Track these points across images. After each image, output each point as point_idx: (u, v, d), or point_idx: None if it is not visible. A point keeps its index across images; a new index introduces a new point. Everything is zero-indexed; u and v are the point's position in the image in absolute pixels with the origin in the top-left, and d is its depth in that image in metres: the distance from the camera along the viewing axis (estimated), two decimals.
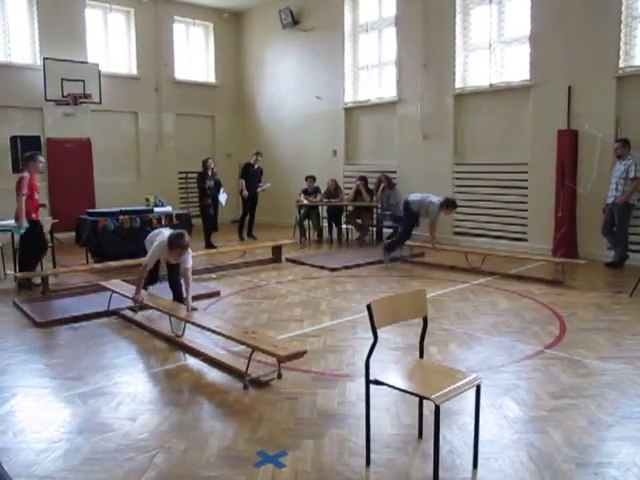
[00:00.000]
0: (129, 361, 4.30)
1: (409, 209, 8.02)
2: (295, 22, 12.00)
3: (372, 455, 2.78)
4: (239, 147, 13.67)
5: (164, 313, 4.89)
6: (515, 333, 4.81)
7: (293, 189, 11.33)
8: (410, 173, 10.17)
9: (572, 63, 8.07)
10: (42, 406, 3.50)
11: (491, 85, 9.22)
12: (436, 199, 7.82)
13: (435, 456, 2.46)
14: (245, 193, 10.51)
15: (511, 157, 8.98)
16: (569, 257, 7.65)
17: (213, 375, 3.99)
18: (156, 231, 5.53)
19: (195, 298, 5.13)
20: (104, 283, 5.89)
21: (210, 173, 9.42)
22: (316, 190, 10.67)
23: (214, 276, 7.35)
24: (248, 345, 3.87)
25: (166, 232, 5.16)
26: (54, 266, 7.32)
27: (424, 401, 2.85)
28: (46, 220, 7.19)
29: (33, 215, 6.65)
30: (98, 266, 7.18)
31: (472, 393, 2.71)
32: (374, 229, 10.11)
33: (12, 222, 6.68)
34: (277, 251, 8.41)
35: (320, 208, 10.61)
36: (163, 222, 8.26)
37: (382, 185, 9.80)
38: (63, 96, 10.43)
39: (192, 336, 4.67)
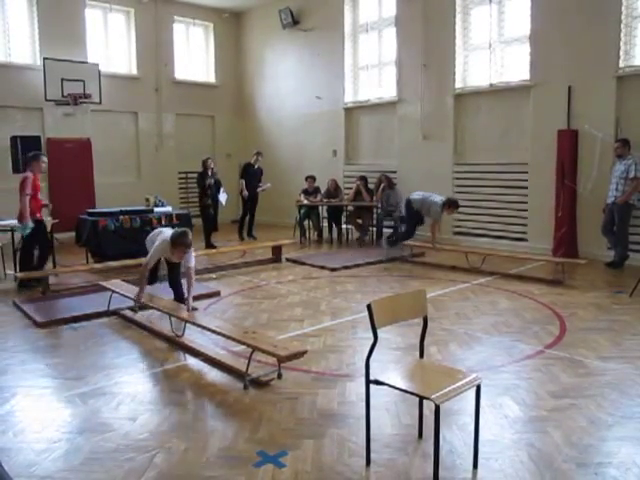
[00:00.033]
0: (129, 361, 4.30)
1: (410, 207, 8.04)
2: (295, 22, 12.00)
3: (372, 455, 2.78)
4: (239, 147, 13.67)
5: (164, 313, 4.89)
6: (515, 333, 4.81)
7: (293, 189, 11.33)
8: (410, 173, 10.17)
9: (572, 63, 8.07)
10: (42, 406, 3.50)
11: (491, 85, 9.22)
12: (439, 199, 7.84)
13: (435, 456, 2.45)
14: (245, 193, 10.52)
15: (511, 157, 8.98)
16: (569, 257, 7.65)
17: (213, 375, 3.99)
18: (157, 230, 5.52)
19: (195, 298, 5.13)
20: (104, 283, 5.89)
21: (210, 173, 9.42)
22: (316, 190, 10.67)
23: (214, 276, 7.35)
24: (248, 345, 3.87)
25: (167, 231, 5.15)
26: (54, 266, 7.32)
27: (424, 401, 2.85)
28: (47, 220, 7.19)
29: (37, 215, 6.65)
30: (98, 266, 7.18)
31: (472, 393, 2.71)
32: (374, 229, 10.10)
33: (15, 222, 6.67)
34: (277, 251, 8.41)
35: (320, 208, 10.61)
36: (163, 222, 8.26)
37: (382, 185, 9.81)
38: (63, 96, 10.43)
39: (192, 336, 4.67)
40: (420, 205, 8.06)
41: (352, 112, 11.42)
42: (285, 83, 12.65)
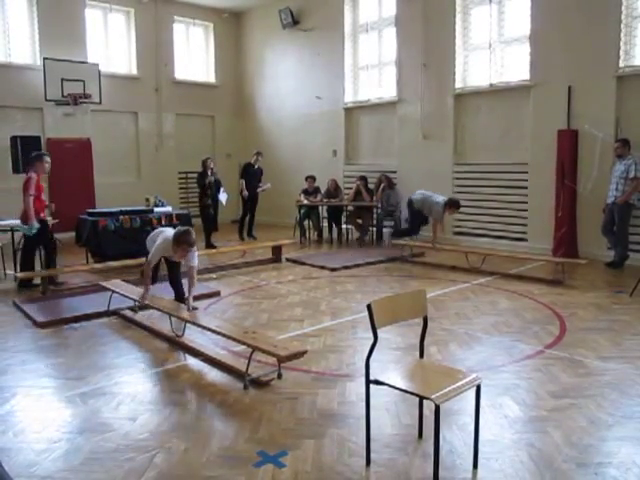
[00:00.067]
0: (129, 361, 4.30)
1: (412, 206, 8.07)
2: (295, 22, 12.00)
3: (372, 455, 2.78)
4: (239, 147, 13.67)
5: (164, 313, 4.89)
6: (515, 333, 4.81)
7: (293, 189, 11.33)
8: (410, 173, 10.17)
9: (572, 63, 8.07)
10: (42, 406, 3.50)
11: (491, 85, 9.22)
12: (441, 199, 7.87)
13: (435, 456, 2.45)
14: (245, 193, 10.52)
15: (511, 157, 8.98)
16: (569, 257, 7.65)
17: (213, 375, 3.99)
18: (158, 230, 5.47)
19: (195, 298, 5.12)
20: (104, 283, 5.89)
21: (210, 173, 9.43)
22: (316, 190, 10.67)
23: (214, 276, 7.35)
24: (248, 345, 3.87)
25: (169, 230, 5.12)
26: (54, 266, 7.31)
27: (424, 401, 2.85)
28: (48, 220, 7.18)
29: (41, 215, 6.65)
30: (98, 266, 7.19)
31: (472, 393, 2.71)
32: (374, 229, 10.10)
33: (17, 222, 6.66)
34: (277, 251, 8.41)
35: (320, 208, 10.61)
36: (163, 222, 8.26)
37: (382, 185, 9.82)
38: (63, 96, 10.43)
39: (192, 336, 4.68)
40: (421, 205, 8.08)
41: (352, 112, 11.42)
42: (285, 83, 12.65)
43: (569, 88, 8.11)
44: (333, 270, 7.61)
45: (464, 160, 9.65)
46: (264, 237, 10.35)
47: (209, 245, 9.20)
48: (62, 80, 10.37)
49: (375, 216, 10.05)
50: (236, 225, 11.13)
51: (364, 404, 2.74)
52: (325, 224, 10.65)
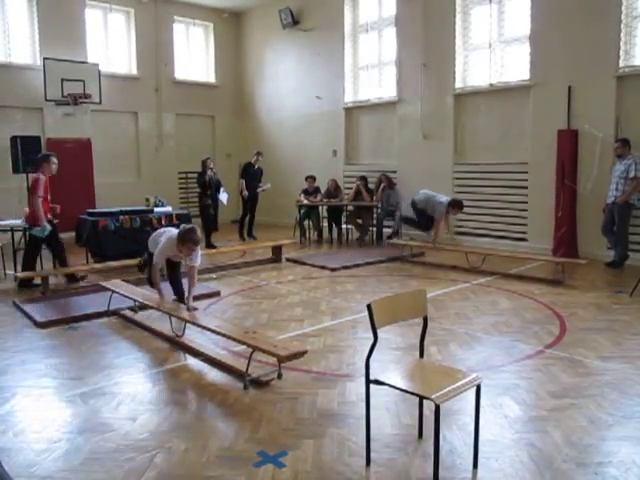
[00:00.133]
0: (129, 361, 4.30)
1: (416, 207, 8.13)
2: (295, 22, 12.00)
3: (372, 455, 2.78)
4: (239, 147, 13.67)
5: (164, 313, 4.89)
6: (515, 333, 4.81)
7: (293, 189, 11.33)
8: (410, 173, 10.17)
9: (572, 63, 8.07)
10: (42, 406, 3.50)
11: (491, 85, 9.22)
12: (444, 199, 7.91)
13: (435, 456, 2.45)
14: (245, 193, 10.52)
15: (511, 157, 8.98)
16: (569, 257, 7.65)
17: (213, 375, 3.99)
18: (160, 230, 5.38)
19: (195, 298, 5.12)
20: (104, 283, 5.88)
21: (209, 173, 9.42)
22: (316, 190, 10.67)
23: (214, 276, 7.35)
24: (248, 345, 3.87)
25: (172, 230, 5.06)
26: (54, 266, 7.31)
27: (424, 401, 2.85)
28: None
29: (48, 216, 6.66)
30: (98, 266, 7.19)
31: (472, 393, 2.71)
32: (374, 229, 10.10)
33: (18, 222, 6.65)
34: (277, 251, 8.41)
35: (320, 208, 10.62)
36: (163, 222, 8.26)
37: (382, 185, 9.83)
38: (63, 96, 10.43)
39: (192, 336, 4.68)
40: (425, 205, 8.11)
41: (352, 112, 11.42)
42: (285, 83, 12.65)
43: (569, 88, 8.11)
44: (333, 270, 7.61)
45: (464, 160, 9.65)
46: (264, 237, 10.35)
47: (209, 245, 9.20)
48: (62, 80, 10.37)
49: (375, 216, 10.05)
50: (236, 225, 11.13)
51: (364, 404, 2.74)
52: (325, 224, 10.65)
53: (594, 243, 7.92)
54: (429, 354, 4.17)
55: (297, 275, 7.38)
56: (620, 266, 7.34)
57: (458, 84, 9.59)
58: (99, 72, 10.94)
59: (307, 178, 10.76)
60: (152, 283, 5.16)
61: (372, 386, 2.67)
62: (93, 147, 11.25)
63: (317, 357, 4.25)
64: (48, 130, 10.81)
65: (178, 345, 4.59)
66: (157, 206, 9.30)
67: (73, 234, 8.52)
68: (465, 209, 8.77)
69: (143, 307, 5.33)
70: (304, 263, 8.11)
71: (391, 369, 3.22)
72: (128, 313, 5.47)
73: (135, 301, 5.27)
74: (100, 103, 10.97)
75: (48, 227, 6.51)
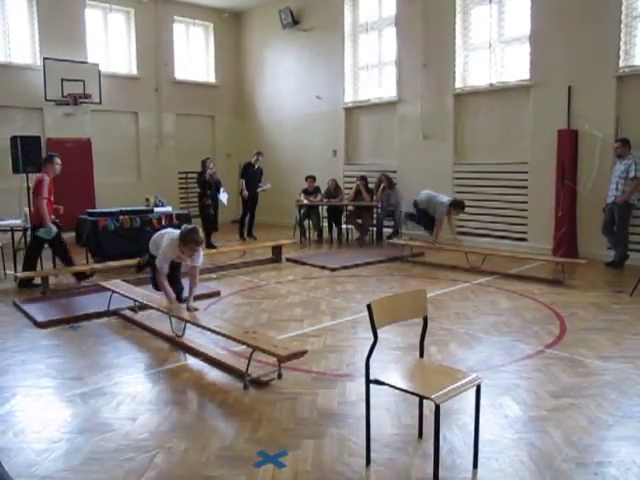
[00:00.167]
0: (129, 361, 4.30)
1: (417, 207, 8.15)
2: (295, 22, 12.00)
3: (372, 455, 2.78)
4: (239, 147, 13.67)
5: (164, 313, 4.89)
6: (515, 333, 4.81)
7: (293, 189, 11.33)
8: (410, 173, 10.17)
9: (572, 63, 8.07)
10: (42, 406, 3.50)
11: (491, 85, 9.22)
12: (446, 199, 7.93)
13: (435, 456, 2.46)
14: (245, 193, 10.52)
15: (511, 157, 8.98)
16: (569, 257, 7.65)
17: (213, 375, 3.99)
18: (161, 232, 5.26)
19: (195, 298, 5.11)
20: (104, 283, 5.88)
21: (209, 172, 9.42)
22: (316, 190, 10.67)
23: (214, 276, 7.36)
24: (248, 345, 3.87)
25: (173, 231, 5.02)
26: (54, 266, 7.32)
27: (424, 401, 2.85)
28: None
29: (53, 217, 6.66)
30: (98, 266, 7.18)
31: (472, 393, 2.71)
32: (374, 229, 10.10)
33: (19, 222, 6.65)
34: (277, 251, 8.41)
35: (320, 208, 10.62)
36: (163, 222, 8.25)
37: (382, 185, 9.82)
38: (63, 96, 10.43)
39: (192, 336, 4.68)
40: (426, 204, 8.12)
41: (352, 112, 11.42)
42: (285, 83, 12.65)
43: (569, 88, 8.11)
44: (333, 270, 7.61)
45: (464, 160, 9.65)
46: (264, 237, 10.35)
47: (209, 245, 9.20)
48: (62, 80, 10.37)
49: (375, 216, 10.05)
50: (236, 225, 11.14)
51: (364, 404, 2.74)
52: (325, 224, 10.65)
53: (594, 243, 7.92)
54: (429, 354, 4.17)
55: (297, 275, 7.38)
56: (620, 266, 7.34)
57: (458, 84, 9.59)
58: (99, 72, 10.94)
59: (307, 178, 10.76)
60: (158, 287, 5.13)
61: (372, 386, 2.67)
62: (93, 147, 11.25)
63: (317, 357, 4.25)
64: (48, 130, 10.81)
65: (178, 345, 4.59)
66: (157, 206, 9.29)
67: (73, 234, 8.52)
68: (465, 209, 8.79)
69: (143, 307, 5.33)
70: (304, 263, 8.11)
71: (391, 369, 3.22)
72: (128, 313, 5.47)
73: (135, 301, 5.27)
74: (100, 103, 10.97)
75: (54, 229, 6.52)
